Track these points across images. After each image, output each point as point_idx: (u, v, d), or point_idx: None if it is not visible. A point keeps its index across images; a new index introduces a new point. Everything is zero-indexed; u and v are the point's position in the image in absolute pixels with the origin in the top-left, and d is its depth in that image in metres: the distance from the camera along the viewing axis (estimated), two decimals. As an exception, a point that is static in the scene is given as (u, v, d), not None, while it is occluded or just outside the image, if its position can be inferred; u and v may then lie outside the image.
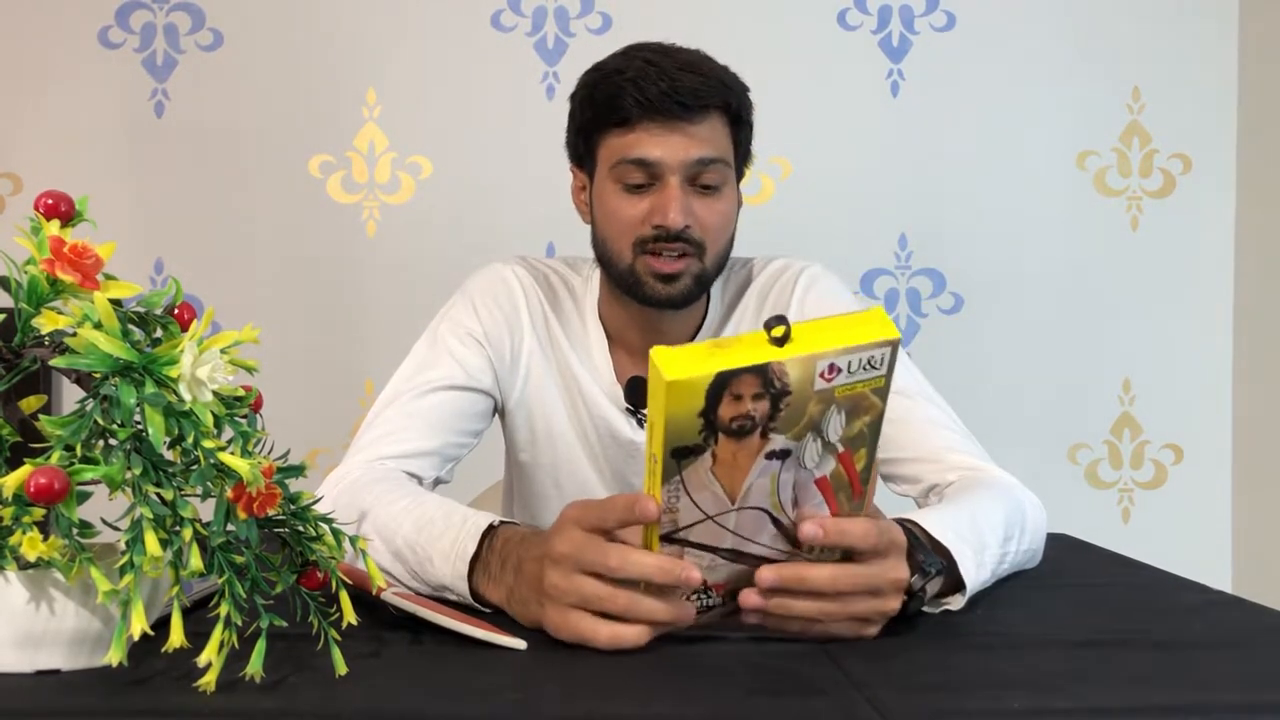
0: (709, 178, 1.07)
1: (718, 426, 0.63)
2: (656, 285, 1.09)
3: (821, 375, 0.64)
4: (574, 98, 1.13)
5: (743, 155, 1.14)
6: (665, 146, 1.05)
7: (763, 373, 0.62)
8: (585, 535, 0.70)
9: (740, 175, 1.15)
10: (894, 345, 0.66)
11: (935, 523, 0.80)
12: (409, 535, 0.85)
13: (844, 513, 0.71)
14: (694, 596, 0.70)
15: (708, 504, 0.66)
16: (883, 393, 0.67)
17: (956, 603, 0.80)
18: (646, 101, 1.04)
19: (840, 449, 0.68)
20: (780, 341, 0.63)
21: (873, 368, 0.65)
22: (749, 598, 0.70)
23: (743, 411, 0.63)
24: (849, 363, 0.64)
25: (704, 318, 1.19)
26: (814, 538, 0.68)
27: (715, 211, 1.08)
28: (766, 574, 0.69)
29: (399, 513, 0.88)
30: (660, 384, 0.61)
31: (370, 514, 0.90)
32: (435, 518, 0.85)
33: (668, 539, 0.67)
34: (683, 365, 0.62)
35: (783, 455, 0.66)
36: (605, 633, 0.68)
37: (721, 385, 0.62)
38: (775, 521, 0.69)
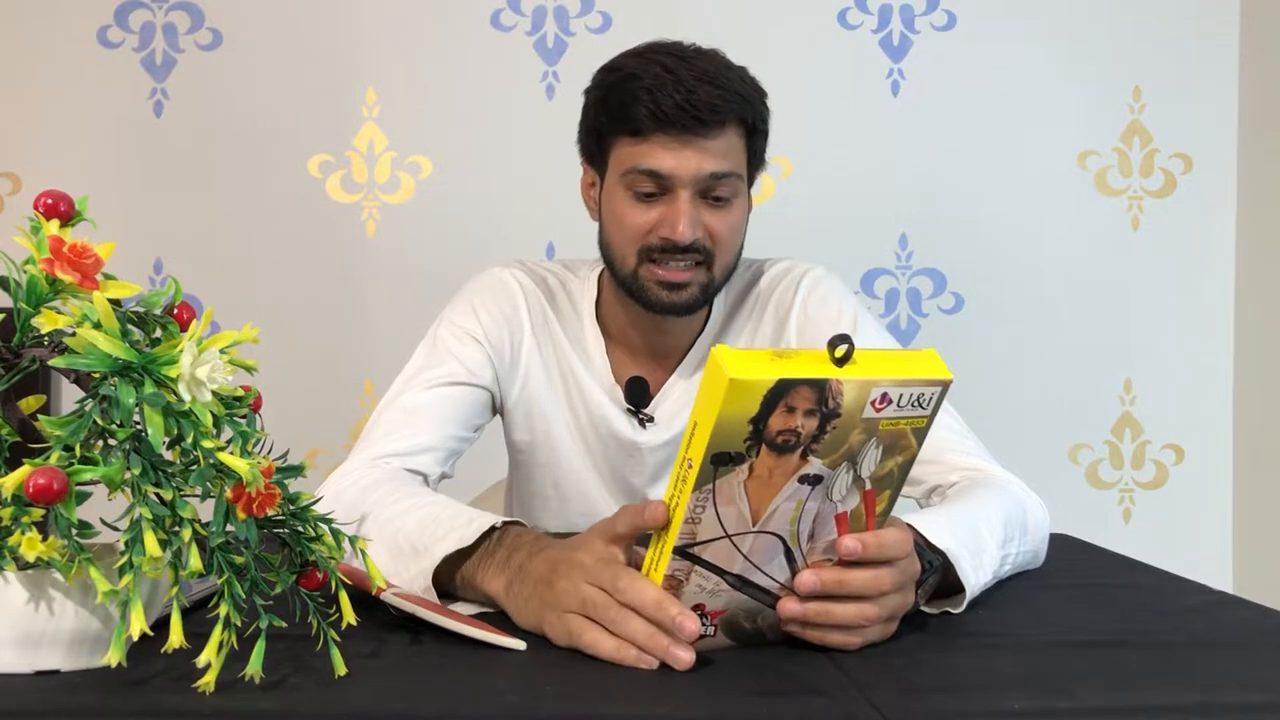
0: (721, 190, 1.05)
1: (764, 437, 0.62)
2: (661, 293, 1.08)
3: (873, 404, 0.63)
4: (588, 95, 1.11)
5: (757, 163, 1.13)
6: (678, 159, 1.03)
7: (821, 388, 0.61)
8: (605, 548, 0.69)
9: (752, 181, 1.13)
10: (945, 386, 0.66)
11: (933, 526, 0.80)
12: (411, 533, 0.83)
13: None
14: None
15: (731, 521, 0.64)
16: (920, 434, 0.67)
17: (957, 605, 0.80)
18: (661, 113, 1.01)
19: (867, 486, 0.68)
20: (840, 362, 0.62)
21: (920, 406, 0.66)
22: (788, 605, 0.68)
23: (792, 426, 0.62)
24: (900, 395, 0.64)
25: (707, 318, 1.19)
26: (853, 552, 0.67)
27: (726, 223, 1.07)
28: (807, 578, 0.67)
29: (403, 511, 0.87)
30: (720, 381, 0.59)
31: (371, 515, 0.89)
32: (440, 517, 0.84)
33: (681, 552, 0.65)
34: (746, 366, 0.60)
35: (814, 481, 0.65)
36: (609, 644, 0.66)
37: (780, 393, 0.60)
38: (787, 553, 0.68)
